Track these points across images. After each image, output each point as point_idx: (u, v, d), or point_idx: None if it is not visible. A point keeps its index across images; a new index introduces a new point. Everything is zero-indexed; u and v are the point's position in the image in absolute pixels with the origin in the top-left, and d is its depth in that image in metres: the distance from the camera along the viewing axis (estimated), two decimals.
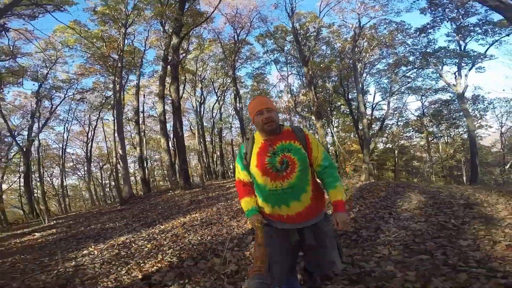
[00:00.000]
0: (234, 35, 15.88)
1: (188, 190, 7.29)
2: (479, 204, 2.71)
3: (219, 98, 18.62)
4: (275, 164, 1.29)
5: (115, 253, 2.97)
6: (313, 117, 15.30)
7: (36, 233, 5.42)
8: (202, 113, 17.55)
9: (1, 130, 14.22)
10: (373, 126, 17.75)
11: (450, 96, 17.27)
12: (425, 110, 19.17)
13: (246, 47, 17.50)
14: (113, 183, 23.41)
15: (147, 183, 11.21)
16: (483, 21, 12.13)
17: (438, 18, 13.28)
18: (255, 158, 1.35)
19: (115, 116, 8.63)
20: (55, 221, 7.04)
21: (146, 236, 3.44)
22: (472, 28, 12.53)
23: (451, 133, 19.79)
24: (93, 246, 3.38)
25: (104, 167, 20.96)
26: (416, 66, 15.84)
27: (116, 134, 8.76)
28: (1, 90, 12.52)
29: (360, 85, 15.82)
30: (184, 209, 4.81)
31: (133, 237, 3.50)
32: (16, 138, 13.07)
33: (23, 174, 12.73)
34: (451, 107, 17.93)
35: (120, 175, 9.79)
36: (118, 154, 8.96)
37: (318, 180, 1.38)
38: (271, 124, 1.29)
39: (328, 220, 1.39)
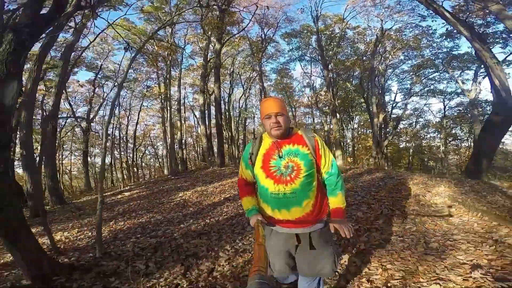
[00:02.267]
0: (261, 34, 18.07)
1: (223, 167, 9.95)
2: (405, 178, 5.01)
3: (245, 90, 21.08)
4: (280, 167, 1.35)
5: (200, 194, 5.63)
6: None
7: (125, 193, 8.29)
8: (229, 103, 20.14)
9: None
10: (390, 124, 19.51)
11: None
12: (446, 113, 20.45)
13: (272, 43, 19.67)
14: (144, 164, 27.14)
15: (185, 162, 14.10)
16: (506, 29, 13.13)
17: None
18: (260, 159, 1.40)
19: (167, 108, 11.41)
20: (128, 187, 10.00)
21: (212, 187, 6.08)
22: (498, 35, 13.42)
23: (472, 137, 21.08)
24: (182, 193, 6.07)
25: (138, 148, 24.38)
26: (439, 70, 17.30)
27: (167, 123, 11.58)
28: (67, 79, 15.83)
29: (381, 86, 17.62)
30: (228, 176, 7.43)
31: (204, 188, 6.17)
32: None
33: (82, 152, 16.11)
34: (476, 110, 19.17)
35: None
36: (168, 138, 11.79)
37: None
38: (278, 129, 1.33)
39: (327, 227, 1.42)
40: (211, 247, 2.93)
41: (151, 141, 23.23)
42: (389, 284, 1.98)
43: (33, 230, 4.76)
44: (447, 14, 7.16)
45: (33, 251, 2.62)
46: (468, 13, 11.99)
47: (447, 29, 14.50)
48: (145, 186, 8.82)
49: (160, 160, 26.16)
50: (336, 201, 1.37)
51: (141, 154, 25.18)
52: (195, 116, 21.81)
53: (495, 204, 3.34)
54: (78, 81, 19.21)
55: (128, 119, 20.06)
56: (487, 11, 9.40)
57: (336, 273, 1.55)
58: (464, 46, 18.93)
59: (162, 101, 14.60)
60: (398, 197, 3.75)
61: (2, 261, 3.49)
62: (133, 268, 2.74)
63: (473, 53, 15.49)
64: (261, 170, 1.39)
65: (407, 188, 4.27)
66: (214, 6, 12.86)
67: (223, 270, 2.45)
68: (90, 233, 4.39)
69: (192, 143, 24.75)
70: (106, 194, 8.92)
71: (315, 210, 1.37)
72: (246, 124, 23.39)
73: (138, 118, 17.90)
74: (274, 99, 1.41)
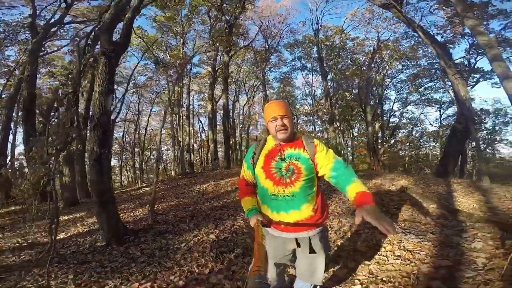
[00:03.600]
0: (265, 44, 19.66)
1: (229, 169, 11.44)
2: (378, 175, 6.48)
3: (249, 98, 22.70)
4: (281, 169, 1.43)
5: (214, 186, 7.13)
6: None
7: (145, 188, 9.79)
8: (233, 110, 21.72)
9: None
10: (387, 132, 20.95)
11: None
12: (443, 122, 21.87)
13: (275, 53, 21.25)
14: (147, 167, 28.70)
15: (192, 165, 15.61)
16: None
17: (458, 35, 16.14)
18: (262, 160, 1.50)
19: (180, 114, 12.99)
20: (145, 183, 11.50)
21: (224, 182, 7.57)
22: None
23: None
24: (199, 186, 7.57)
25: (144, 152, 25.96)
26: (434, 79, 18.77)
27: (177, 128, 13.13)
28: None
29: (378, 96, 19.14)
30: (235, 174, 8.90)
31: (217, 182, 7.66)
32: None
33: None
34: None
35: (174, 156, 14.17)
36: (181, 142, 13.34)
37: (333, 185, 1.37)
38: (284, 131, 1.41)
39: (326, 233, 1.55)
40: (230, 214, 4.43)
41: (157, 145, 24.78)
42: (340, 231, 3.46)
43: (71, 216, 6.28)
44: (421, 34, 8.76)
45: (115, 217, 4.09)
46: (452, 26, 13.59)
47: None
48: (161, 183, 10.32)
49: (163, 164, 27.66)
50: (355, 186, 1.21)
51: (146, 158, 26.68)
52: (200, 122, 23.44)
53: (432, 190, 4.81)
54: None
55: (136, 124, 21.71)
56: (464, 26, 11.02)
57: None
58: (458, 55, 20.29)
59: (172, 107, 16.21)
60: (367, 186, 5.23)
61: (74, 232, 4.97)
62: (179, 228, 4.24)
63: (466, 62, 17.20)
64: (262, 171, 1.48)
65: (376, 180, 5.76)
66: (222, 17, 14.58)
67: (240, 224, 3.96)
68: (132, 213, 5.88)
69: (196, 147, 26.26)
70: (127, 189, 10.43)
71: (315, 215, 1.43)
72: (249, 131, 24.97)
73: (147, 123, 19.54)
74: (279, 102, 1.47)
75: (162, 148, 28.22)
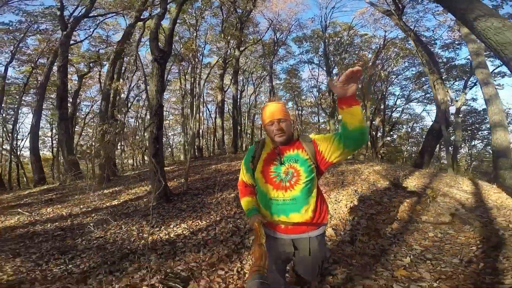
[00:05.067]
0: (274, 37, 21.16)
1: (236, 154, 13.40)
2: (361, 163, 8.36)
3: (256, 89, 24.43)
4: (280, 173, 1.49)
5: (227, 166, 9.12)
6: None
7: (166, 168, 11.78)
8: (240, 99, 23.50)
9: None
10: (386, 127, 22.69)
11: (471, 108, 21.64)
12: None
13: (283, 46, 22.76)
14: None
15: (201, 150, 17.62)
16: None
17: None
18: (261, 164, 1.56)
19: (194, 101, 14.87)
20: None
21: (235, 163, 9.51)
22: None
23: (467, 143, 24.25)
24: (214, 166, 9.54)
25: None
26: None
27: (190, 114, 15.03)
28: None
29: (381, 92, 20.75)
30: (243, 158, 10.82)
31: (228, 163, 9.62)
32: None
33: None
34: (475, 118, 22.29)
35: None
36: (195, 128, 15.27)
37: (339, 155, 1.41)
38: (281, 135, 1.47)
39: (324, 237, 1.65)
40: None
41: (165, 131, 26.80)
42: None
43: (111, 190, 8.04)
44: (412, 41, 10.48)
45: (165, 182, 6.04)
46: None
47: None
48: (178, 164, 12.34)
49: (171, 149, 29.73)
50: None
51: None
52: (208, 109, 25.33)
53: (396, 174, 6.70)
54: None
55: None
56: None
57: None
58: (463, 55, 21.70)
59: (184, 94, 18.08)
60: (347, 168, 7.15)
61: (125, 199, 6.86)
62: (207, 192, 6.21)
63: (469, 64, 18.69)
64: (261, 175, 1.57)
65: (356, 165, 7.67)
66: (234, 13, 16.23)
67: None
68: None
69: (203, 134, 28.25)
70: (147, 169, 12.46)
71: (314, 216, 1.52)
72: (255, 119, 26.83)
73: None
74: (276, 104, 1.54)
75: (170, 134, 30.29)
